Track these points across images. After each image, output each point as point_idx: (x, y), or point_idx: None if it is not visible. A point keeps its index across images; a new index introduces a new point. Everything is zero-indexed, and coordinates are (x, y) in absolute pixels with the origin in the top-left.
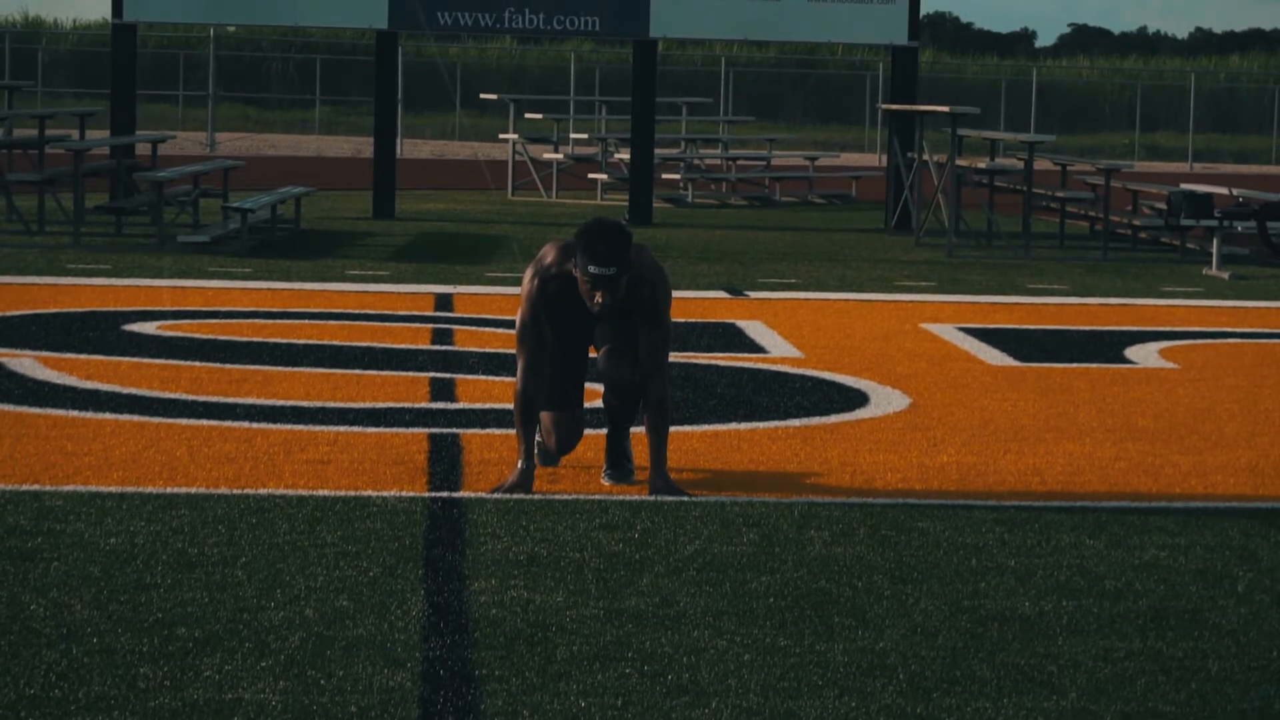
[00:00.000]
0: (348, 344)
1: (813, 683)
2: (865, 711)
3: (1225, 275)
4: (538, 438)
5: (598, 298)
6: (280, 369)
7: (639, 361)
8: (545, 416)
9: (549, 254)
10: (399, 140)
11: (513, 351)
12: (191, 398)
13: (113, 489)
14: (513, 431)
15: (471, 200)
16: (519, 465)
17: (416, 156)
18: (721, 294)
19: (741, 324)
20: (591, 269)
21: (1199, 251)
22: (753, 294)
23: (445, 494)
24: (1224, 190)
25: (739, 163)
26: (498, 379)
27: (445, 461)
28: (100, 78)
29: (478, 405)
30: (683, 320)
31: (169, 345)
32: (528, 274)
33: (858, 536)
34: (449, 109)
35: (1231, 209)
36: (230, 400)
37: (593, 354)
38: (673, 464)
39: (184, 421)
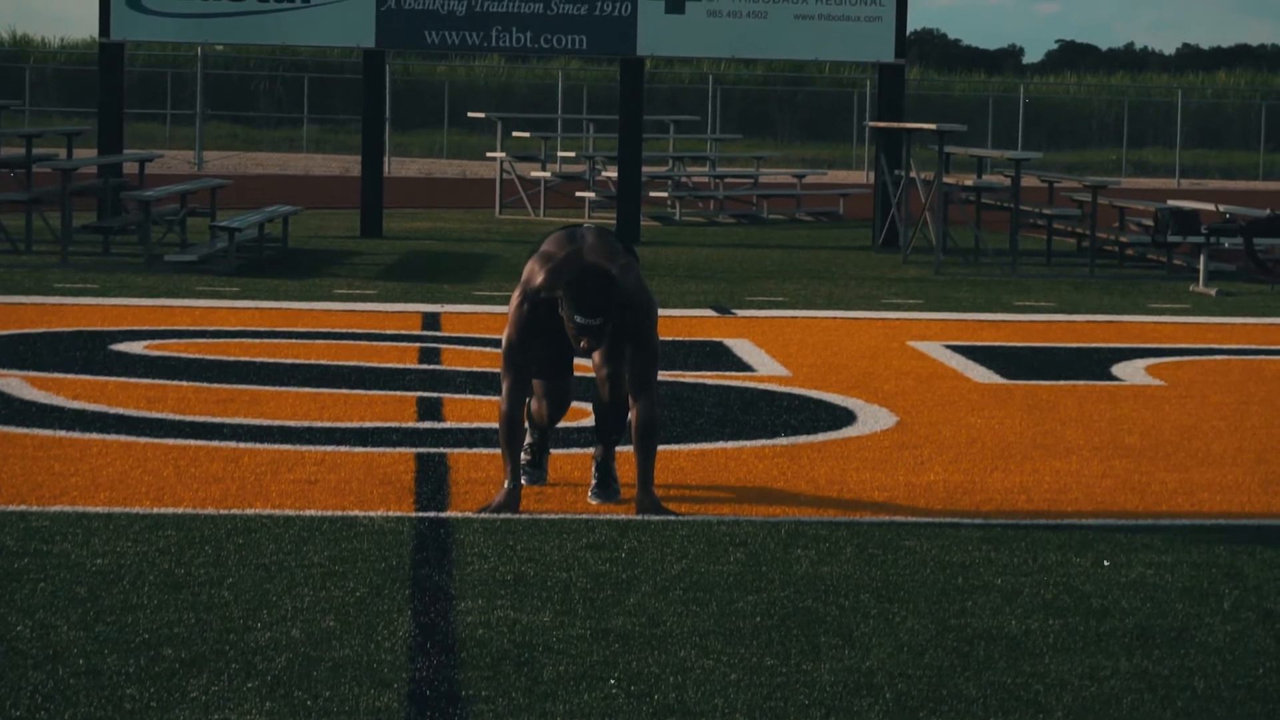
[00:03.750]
0: (335, 363)
1: (799, 702)
2: None
3: (1212, 292)
4: (529, 406)
5: (583, 343)
6: (267, 388)
7: (629, 380)
8: (537, 384)
9: (537, 276)
10: (386, 159)
11: (500, 371)
12: (179, 417)
13: (100, 509)
14: (500, 451)
15: (459, 219)
16: (505, 485)
17: (404, 175)
18: (709, 312)
19: (729, 342)
20: (578, 319)
21: (1186, 268)
22: (740, 312)
23: (432, 514)
24: (1211, 206)
25: (727, 180)
26: (485, 398)
27: (432, 481)
28: (88, 96)
29: (465, 425)
30: (670, 339)
31: (156, 365)
32: (516, 296)
33: (844, 555)
34: (437, 127)
35: (1218, 225)
36: (217, 420)
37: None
38: (659, 482)
39: (171, 441)
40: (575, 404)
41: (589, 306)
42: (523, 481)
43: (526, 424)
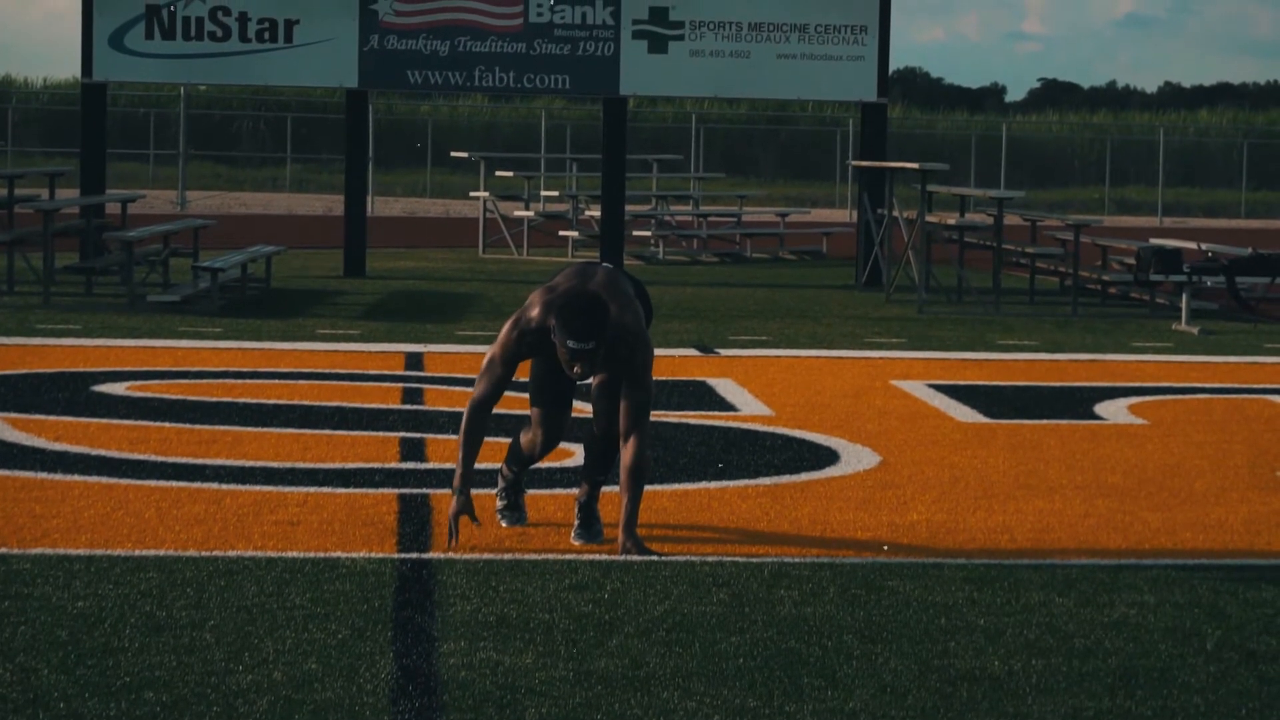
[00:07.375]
0: (318, 404)
1: None
2: None
3: (1194, 330)
4: (520, 438)
5: (575, 369)
6: (250, 429)
7: (621, 419)
8: (535, 413)
9: (534, 308)
10: (370, 198)
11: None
12: (161, 459)
13: (81, 551)
14: (484, 491)
15: (442, 258)
16: (455, 494)
17: (387, 214)
18: (692, 352)
19: (712, 382)
20: (570, 344)
21: (1168, 306)
22: (723, 351)
23: (415, 555)
24: (1193, 245)
25: (710, 219)
26: None
27: (415, 522)
28: (70, 137)
29: (448, 465)
30: (653, 378)
31: (138, 406)
32: (510, 322)
33: (827, 596)
34: (420, 167)
35: (1200, 264)
36: (199, 461)
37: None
38: (642, 522)
39: (153, 483)
40: (563, 445)
41: (578, 330)
42: (503, 524)
43: (504, 465)
